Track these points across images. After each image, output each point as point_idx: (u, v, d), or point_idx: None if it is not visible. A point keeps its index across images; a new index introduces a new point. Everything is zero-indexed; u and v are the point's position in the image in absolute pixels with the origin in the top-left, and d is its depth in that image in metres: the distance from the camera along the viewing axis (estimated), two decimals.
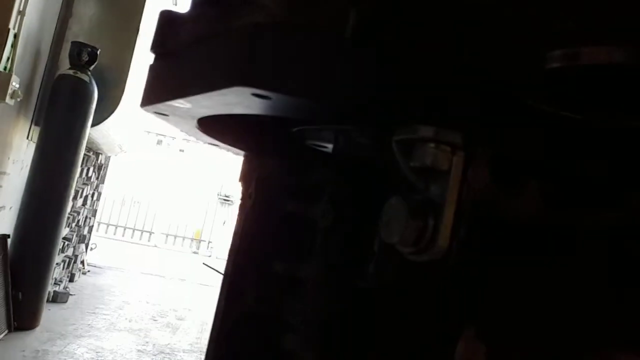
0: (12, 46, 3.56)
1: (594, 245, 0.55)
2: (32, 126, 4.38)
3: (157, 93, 0.61)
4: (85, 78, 4.14)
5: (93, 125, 4.40)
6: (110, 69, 4.43)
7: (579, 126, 0.48)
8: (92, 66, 4.19)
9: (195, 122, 0.67)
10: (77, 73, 4.12)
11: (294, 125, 0.71)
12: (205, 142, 0.86)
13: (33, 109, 4.32)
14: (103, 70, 4.30)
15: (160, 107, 0.63)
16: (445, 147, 0.47)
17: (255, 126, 0.78)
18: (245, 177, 0.87)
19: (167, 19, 0.60)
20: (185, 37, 0.57)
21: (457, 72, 0.45)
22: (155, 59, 0.64)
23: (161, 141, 13.00)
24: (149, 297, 6.95)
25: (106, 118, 4.54)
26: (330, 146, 0.75)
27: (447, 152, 0.47)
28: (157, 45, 0.60)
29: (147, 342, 5.10)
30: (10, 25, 3.53)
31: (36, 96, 4.32)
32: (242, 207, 0.85)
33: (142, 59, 4.61)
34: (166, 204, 12.56)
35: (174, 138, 12.73)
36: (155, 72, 0.63)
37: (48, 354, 4.14)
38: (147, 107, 0.66)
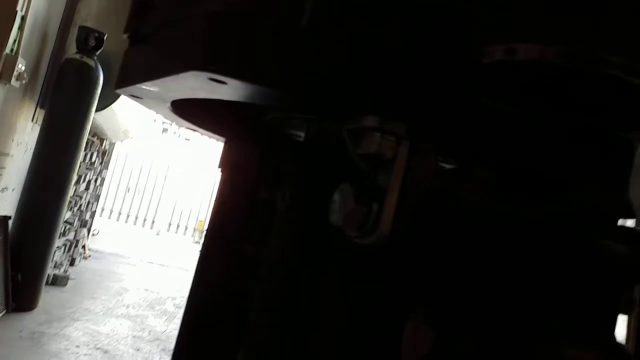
0: (19, 28, 3.60)
1: (538, 236, 0.57)
2: (38, 109, 4.43)
3: (128, 76, 0.64)
4: (91, 63, 4.17)
5: (97, 110, 4.44)
6: (117, 54, 4.44)
7: (516, 121, 0.50)
8: (99, 51, 4.22)
9: (168, 105, 0.69)
10: (83, 57, 4.15)
11: (266, 113, 0.73)
12: (184, 127, 0.89)
13: (39, 92, 4.36)
14: (109, 55, 4.33)
15: (132, 90, 0.65)
16: (390, 137, 0.49)
17: (229, 113, 0.80)
18: (224, 164, 0.90)
19: (140, 3, 0.62)
20: (153, 22, 0.59)
21: (400, 62, 0.47)
22: (129, 45, 0.66)
23: (167, 130, 13.04)
24: (148, 285, 7.00)
25: (111, 103, 4.57)
26: (302, 135, 0.78)
27: (391, 142, 0.49)
28: (130, 29, 0.62)
29: (143, 329, 5.15)
30: (18, 8, 3.56)
31: (42, 79, 4.36)
32: (218, 192, 0.88)
33: None
34: (170, 192, 12.62)
35: (179, 127, 12.76)
36: (127, 57, 0.65)
37: (44, 335, 4.19)
38: (121, 90, 0.68)
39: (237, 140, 0.84)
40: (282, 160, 0.74)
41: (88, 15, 4.47)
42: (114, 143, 7.19)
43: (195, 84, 0.53)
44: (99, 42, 4.19)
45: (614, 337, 0.78)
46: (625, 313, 0.78)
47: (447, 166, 0.61)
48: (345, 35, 0.49)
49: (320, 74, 0.48)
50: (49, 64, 4.40)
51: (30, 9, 3.70)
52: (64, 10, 4.43)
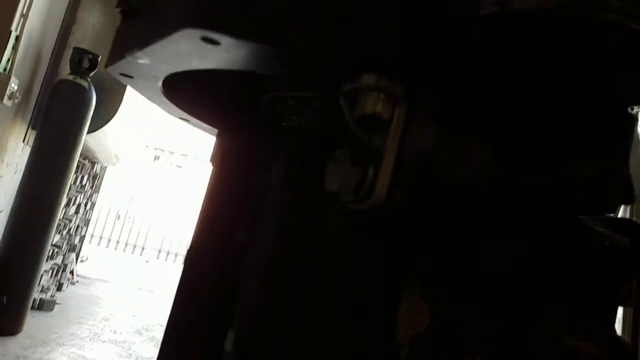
0: (12, 48, 3.60)
1: (535, 210, 0.55)
2: (29, 130, 4.40)
3: (119, 50, 0.63)
4: (85, 84, 4.17)
5: (89, 131, 4.42)
6: (110, 76, 4.46)
7: (515, 86, 0.49)
8: (92, 73, 4.23)
9: (160, 84, 0.68)
10: (76, 79, 4.16)
11: (260, 95, 0.72)
12: (176, 117, 0.87)
13: (31, 113, 4.34)
14: (103, 77, 4.33)
15: (124, 65, 0.64)
16: (387, 97, 0.48)
17: (223, 100, 0.79)
18: (215, 155, 0.88)
19: None
20: None
21: (395, 17, 0.46)
22: (121, 20, 0.65)
23: (159, 157, 13.03)
24: (136, 311, 6.89)
25: (102, 125, 4.56)
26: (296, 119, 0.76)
27: (388, 102, 0.48)
28: (122, 4, 0.61)
29: (130, 355, 5.04)
30: (13, 27, 3.58)
31: (35, 99, 4.35)
32: (209, 183, 0.86)
33: None
34: (160, 220, 12.54)
35: (172, 153, 12.76)
36: (119, 32, 0.64)
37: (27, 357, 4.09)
38: (112, 68, 0.67)
39: (228, 129, 0.83)
40: (273, 146, 0.73)
41: (83, 37, 4.49)
42: (106, 167, 7.16)
43: (187, 49, 0.52)
44: (93, 63, 4.20)
45: (613, 329, 0.76)
46: (624, 305, 0.76)
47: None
48: None
49: (320, 28, 0.47)
50: (42, 84, 4.40)
51: (25, 29, 3.71)
52: (59, 32, 4.45)
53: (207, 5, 0.47)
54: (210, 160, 0.92)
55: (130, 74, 0.67)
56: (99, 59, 4.23)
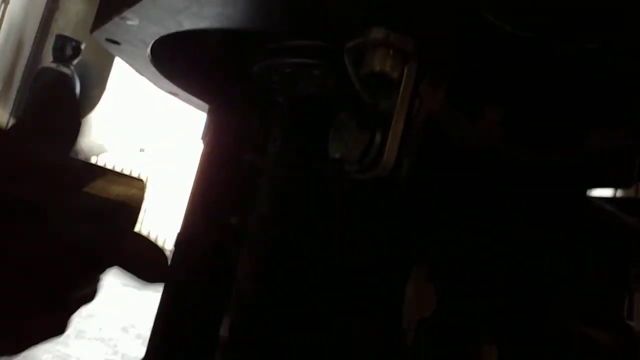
0: None
1: (546, 184, 0.52)
2: (11, 118, 4.31)
3: (106, 12, 0.58)
4: (68, 72, 4.10)
5: None
6: (94, 65, 4.38)
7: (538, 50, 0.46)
8: (75, 61, 4.15)
9: (148, 51, 0.64)
10: (59, 66, 4.08)
11: (254, 63, 0.68)
12: (165, 91, 0.83)
13: (12, 101, 4.25)
14: (86, 66, 4.25)
15: (110, 28, 0.60)
16: (396, 53, 0.44)
17: (215, 71, 0.75)
18: (206, 132, 0.84)
19: None
20: None
21: None
22: None
23: (144, 150, 12.89)
24: (123, 307, 6.82)
25: (86, 114, 4.48)
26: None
27: (398, 59, 0.44)
28: None
29: (116, 352, 4.97)
30: None
31: (16, 88, 4.26)
32: (201, 162, 0.82)
33: None
34: (147, 215, 12.43)
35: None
36: None
37: (10, 357, 4.01)
38: (97, 32, 0.63)
39: (219, 104, 0.79)
40: (268, 121, 0.69)
41: (66, 24, 4.40)
42: (90, 158, 7.06)
43: (179, 4, 0.48)
44: (76, 51, 4.12)
45: (622, 315, 0.74)
46: (634, 290, 0.73)
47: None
48: None
49: None
50: (24, 72, 4.31)
51: (5, 15, 3.62)
52: (41, 18, 4.36)
53: None
54: (201, 139, 0.87)
55: (118, 40, 0.62)
56: (82, 47, 4.15)
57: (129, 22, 0.56)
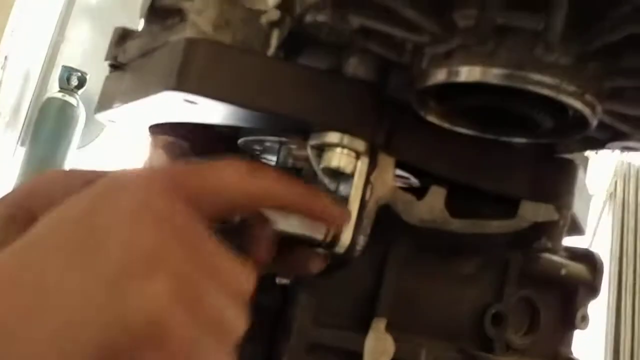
0: (1, 67, 3.64)
1: (486, 252, 0.61)
2: (17, 147, 4.42)
3: (106, 101, 0.68)
4: (73, 102, 4.20)
5: (79, 147, 4.45)
6: (99, 93, 4.50)
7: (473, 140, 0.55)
8: (81, 90, 4.26)
9: (145, 130, 0.73)
10: (65, 96, 4.19)
11: (238, 137, 0.77)
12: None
13: (20, 130, 4.37)
14: (92, 94, 4.37)
15: (111, 114, 0.69)
16: (350, 152, 0.53)
17: (205, 137, 0.84)
18: None
19: (121, 35, 0.67)
20: (133, 52, 0.63)
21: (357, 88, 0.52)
22: (110, 71, 0.70)
23: None
24: None
25: (90, 141, 4.59)
26: (274, 159, 0.82)
27: (352, 157, 0.53)
28: (111, 58, 0.66)
29: None
30: (1, 47, 3.61)
31: (24, 117, 4.38)
32: None
33: None
34: None
35: None
36: (108, 82, 0.69)
37: None
38: (100, 115, 0.72)
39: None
40: None
41: (72, 55, 4.52)
42: None
43: (169, 107, 0.57)
44: (82, 81, 4.23)
45: (571, 352, 0.82)
46: (579, 329, 0.81)
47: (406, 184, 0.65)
48: (303, 67, 0.55)
49: (280, 98, 0.53)
50: (30, 102, 4.43)
51: (13, 47, 3.75)
52: (48, 50, 4.49)
53: (188, 71, 0.52)
54: None
55: (116, 121, 0.71)
56: (87, 77, 4.27)
57: (125, 111, 0.65)
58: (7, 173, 4.40)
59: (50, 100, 4.26)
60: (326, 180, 0.57)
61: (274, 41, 0.55)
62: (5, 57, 3.68)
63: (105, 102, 0.68)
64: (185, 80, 0.52)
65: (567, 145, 0.61)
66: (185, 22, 0.55)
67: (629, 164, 4.69)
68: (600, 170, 4.43)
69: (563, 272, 0.75)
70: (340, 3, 0.45)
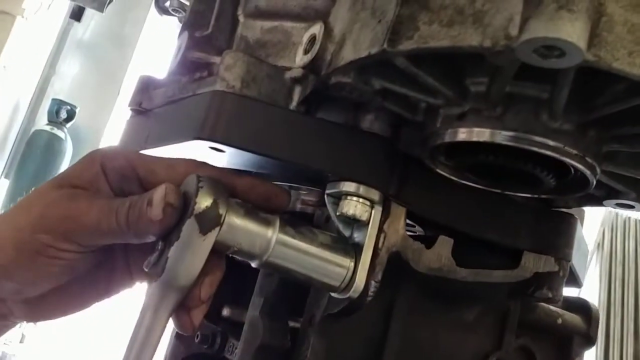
0: None
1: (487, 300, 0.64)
2: (1, 179, 4.40)
3: (129, 144, 0.71)
4: (61, 135, 4.22)
5: None
6: (87, 127, 4.52)
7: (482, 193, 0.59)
8: (69, 124, 4.28)
9: None
10: (53, 129, 4.20)
11: None
12: None
13: (5, 162, 4.35)
14: (80, 128, 4.39)
15: None
16: (365, 201, 0.57)
17: None
18: None
19: (145, 82, 0.70)
20: (158, 100, 0.67)
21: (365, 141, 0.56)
22: (132, 115, 0.73)
23: None
24: None
25: None
26: None
27: (366, 205, 0.57)
28: (134, 104, 0.70)
29: None
30: None
31: (10, 149, 4.37)
32: None
33: (120, 120, 4.72)
34: None
35: None
36: (130, 126, 0.73)
37: None
38: None
39: None
40: None
41: (61, 88, 4.56)
42: None
43: (194, 153, 0.61)
44: (71, 114, 4.26)
45: None
46: None
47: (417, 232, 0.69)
48: (323, 121, 0.59)
49: (301, 149, 0.57)
50: (17, 134, 4.43)
51: (4, 79, 3.77)
52: (38, 83, 4.52)
53: (216, 122, 0.56)
54: None
55: None
56: (76, 110, 4.29)
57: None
58: None
59: (38, 132, 4.27)
60: (340, 227, 0.60)
61: (296, 96, 0.59)
62: None
63: (126, 144, 0.71)
64: (214, 129, 0.55)
65: (566, 201, 0.65)
66: (214, 76, 0.58)
67: (616, 214, 4.78)
68: (588, 221, 4.51)
69: (559, 321, 0.78)
70: (365, 68, 0.50)
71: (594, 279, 4.63)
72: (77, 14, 4.73)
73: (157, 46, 4.49)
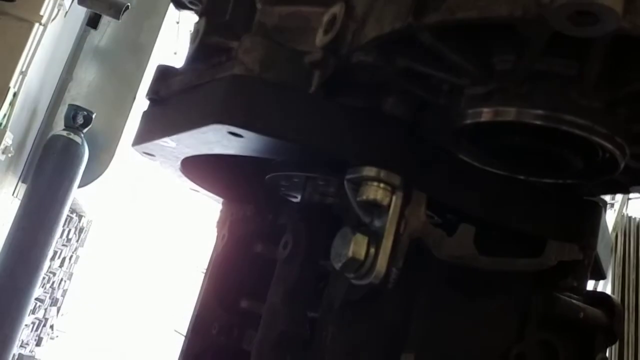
0: (10, 104, 3.68)
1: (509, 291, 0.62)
2: (20, 183, 4.43)
3: (147, 133, 0.70)
4: (78, 140, 4.24)
5: (80, 186, 4.46)
6: (103, 132, 4.55)
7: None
8: (86, 129, 4.31)
9: (179, 163, 0.76)
10: (70, 134, 4.23)
11: (267, 173, 0.79)
12: (187, 187, 0.95)
13: (22, 166, 4.39)
14: (96, 133, 4.42)
15: (149, 146, 0.72)
16: (386, 186, 0.56)
17: (232, 174, 0.86)
18: (221, 222, 0.95)
19: (163, 71, 0.70)
20: (176, 87, 0.67)
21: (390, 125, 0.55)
22: (149, 106, 0.73)
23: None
24: None
25: (92, 180, 4.61)
26: (299, 196, 0.84)
27: (387, 191, 0.56)
28: (152, 93, 0.69)
29: None
30: (11, 84, 3.67)
31: (27, 153, 4.40)
32: (215, 248, 0.92)
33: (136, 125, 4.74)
34: (145, 276, 12.34)
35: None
36: (147, 116, 0.72)
37: None
38: (137, 147, 0.75)
39: (235, 199, 0.90)
40: (283, 216, 0.80)
41: (78, 94, 4.60)
42: (91, 221, 7.14)
43: (213, 138, 0.60)
44: (87, 120, 4.29)
45: None
46: None
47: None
48: (343, 105, 0.58)
49: (321, 133, 0.56)
50: (35, 138, 4.47)
51: (22, 85, 3.80)
52: (56, 88, 4.56)
53: (234, 107, 0.55)
54: (216, 226, 0.98)
55: (153, 153, 0.74)
56: (93, 116, 4.32)
57: (167, 145, 0.67)
58: (7, 210, 4.39)
59: (56, 137, 4.30)
60: (360, 213, 0.59)
61: (316, 80, 0.58)
62: (14, 94, 3.73)
63: (144, 135, 0.70)
64: (233, 114, 0.55)
65: (590, 188, 0.63)
66: (232, 61, 0.58)
67: (629, 217, 4.70)
68: None
69: (581, 315, 0.76)
70: (388, 46, 0.49)
71: (607, 284, 4.55)
72: (93, 21, 4.78)
73: (172, 53, 4.52)
